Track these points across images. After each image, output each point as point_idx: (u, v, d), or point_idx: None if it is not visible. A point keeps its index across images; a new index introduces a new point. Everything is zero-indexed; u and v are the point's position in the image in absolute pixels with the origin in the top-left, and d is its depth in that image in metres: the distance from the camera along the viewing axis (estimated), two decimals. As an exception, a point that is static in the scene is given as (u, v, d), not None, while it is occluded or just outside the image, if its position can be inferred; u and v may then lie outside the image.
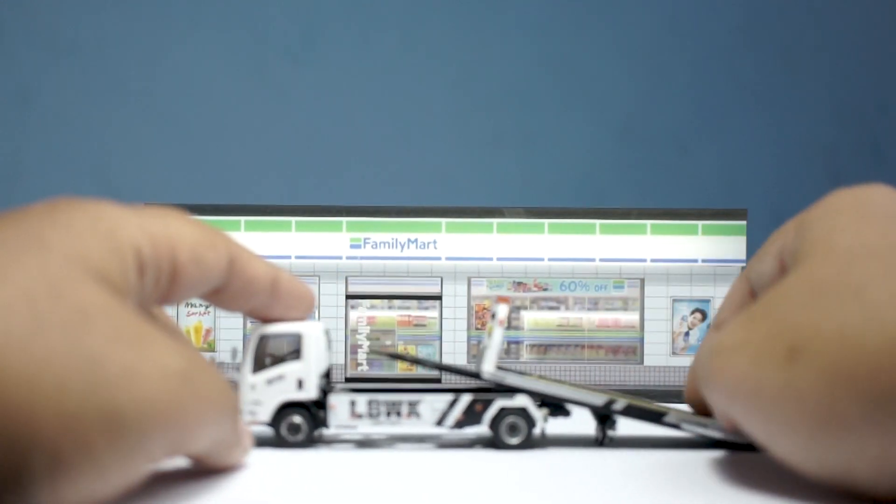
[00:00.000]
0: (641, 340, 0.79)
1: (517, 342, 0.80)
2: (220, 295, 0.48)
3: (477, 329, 0.79)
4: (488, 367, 0.53)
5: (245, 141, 1.28)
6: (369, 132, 1.31)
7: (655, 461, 0.50)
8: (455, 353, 0.79)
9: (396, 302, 0.80)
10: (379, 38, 1.31)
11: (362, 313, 0.79)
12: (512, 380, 0.53)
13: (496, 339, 0.53)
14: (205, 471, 0.45)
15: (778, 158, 1.36)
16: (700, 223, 0.79)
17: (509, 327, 0.80)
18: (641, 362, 0.79)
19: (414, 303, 0.80)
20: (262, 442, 0.52)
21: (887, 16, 1.39)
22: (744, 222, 0.79)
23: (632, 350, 0.80)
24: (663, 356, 0.76)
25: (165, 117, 1.27)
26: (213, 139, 1.28)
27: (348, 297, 0.79)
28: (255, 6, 1.29)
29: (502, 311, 0.53)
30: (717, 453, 0.51)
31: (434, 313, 0.79)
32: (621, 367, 0.79)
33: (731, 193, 1.34)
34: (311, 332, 0.53)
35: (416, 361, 0.75)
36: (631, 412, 0.53)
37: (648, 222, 0.79)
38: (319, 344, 0.53)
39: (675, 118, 1.34)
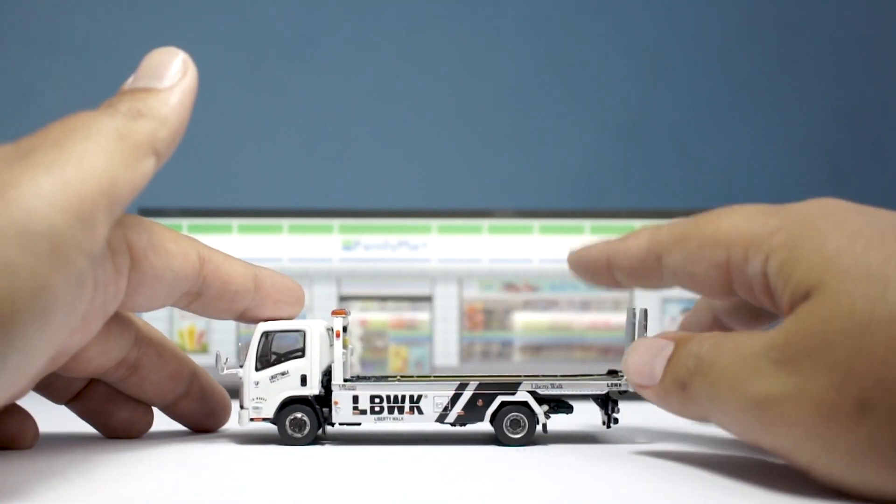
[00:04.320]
0: (632, 341, 0.80)
1: (509, 343, 0.80)
2: (202, 299, 0.47)
3: (468, 330, 0.80)
4: (337, 380, 0.53)
5: (238, 142, 1.29)
6: (364, 135, 1.31)
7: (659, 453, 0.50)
8: (447, 353, 0.80)
9: (388, 304, 0.80)
10: (376, 41, 1.32)
11: (354, 315, 0.79)
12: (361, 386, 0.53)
13: (337, 352, 0.53)
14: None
15: (778, 158, 1.36)
16: (689, 224, 0.79)
17: (503, 328, 0.80)
18: (632, 363, 0.79)
19: (406, 304, 0.80)
20: (266, 440, 0.53)
21: (887, 16, 1.39)
22: (732, 223, 0.79)
23: (622, 351, 0.80)
24: (653, 357, 0.76)
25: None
26: (207, 141, 1.28)
27: (341, 298, 0.80)
28: (253, 7, 1.30)
29: (337, 323, 0.53)
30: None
31: (425, 315, 0.80)
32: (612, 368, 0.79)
33: (731, 194, 1.34)
34: (315, 328, 0.53)
35: None
36: (484, 387, 0.53)
37: (638, 222, 0.79)
38: (323, 341, 0.53)
39: (677, 119, 1.34)
